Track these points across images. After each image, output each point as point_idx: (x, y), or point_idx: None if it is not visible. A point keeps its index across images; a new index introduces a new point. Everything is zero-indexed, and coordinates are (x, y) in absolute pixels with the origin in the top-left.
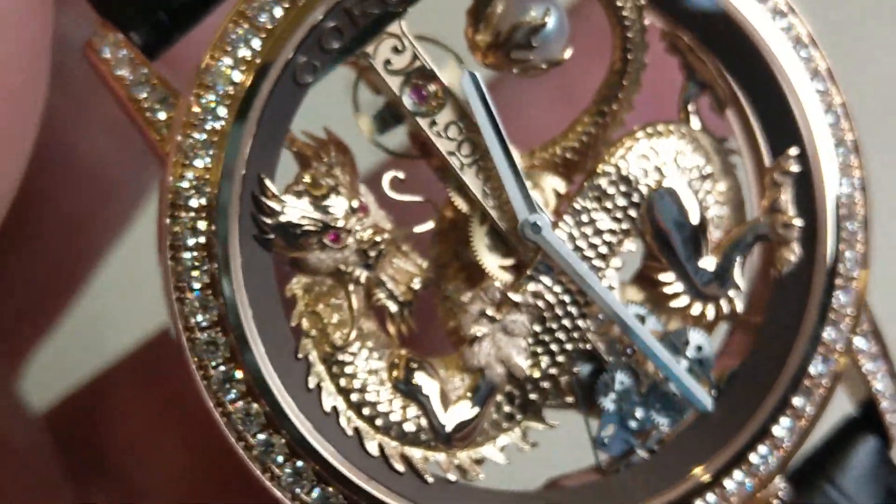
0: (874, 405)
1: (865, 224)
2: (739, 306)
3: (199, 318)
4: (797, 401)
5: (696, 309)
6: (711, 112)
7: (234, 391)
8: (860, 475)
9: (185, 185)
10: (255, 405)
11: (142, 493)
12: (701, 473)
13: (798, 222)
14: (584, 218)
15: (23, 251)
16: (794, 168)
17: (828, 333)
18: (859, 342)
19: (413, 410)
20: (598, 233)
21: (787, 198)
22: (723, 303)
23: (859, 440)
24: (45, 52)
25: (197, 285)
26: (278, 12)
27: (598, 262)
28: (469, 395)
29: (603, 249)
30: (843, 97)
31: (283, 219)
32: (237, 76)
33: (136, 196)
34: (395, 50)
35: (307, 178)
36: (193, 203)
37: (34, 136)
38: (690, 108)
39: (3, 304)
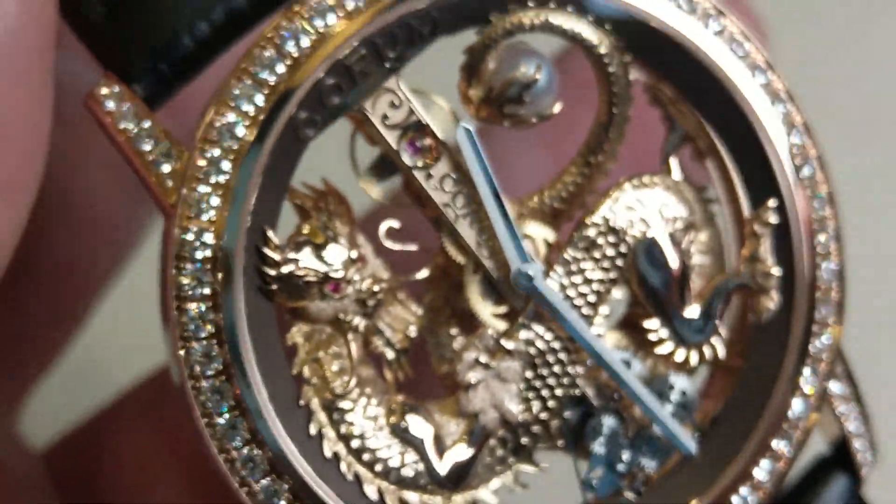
0: (846, 445)
1: (841, 274)
2: (721, 352)
3: (205, 367)
4: (776, 443)
5: (680, 355)
6: (692, 161)
7: (239, 438)
8: None
9: (191, 237)
10: (258, 451)
11: None
12: None
13: (777, 272)
14: (574, 268)
15: (21, 291)
16: (773, 219)
17: (805, 377)
18: (834, 386)
19: (411, 456)
20: (588, 282)
21: (766, 248)
22: (705, 349)
23: (832, 479)
24: (47, 100)
25: (203, 335)
26: (280, 69)
27: (587, 311)
28: (465, 438)
29: (592, 298)
30: (819, 149)
31: (285, 270)
32: (241, 131)
33: (134, 235)
34: (392, 105)
35: (307, 230)
36: (199, 255)
37: (37, 186)
38: (672, 159)
39: (2, 344)
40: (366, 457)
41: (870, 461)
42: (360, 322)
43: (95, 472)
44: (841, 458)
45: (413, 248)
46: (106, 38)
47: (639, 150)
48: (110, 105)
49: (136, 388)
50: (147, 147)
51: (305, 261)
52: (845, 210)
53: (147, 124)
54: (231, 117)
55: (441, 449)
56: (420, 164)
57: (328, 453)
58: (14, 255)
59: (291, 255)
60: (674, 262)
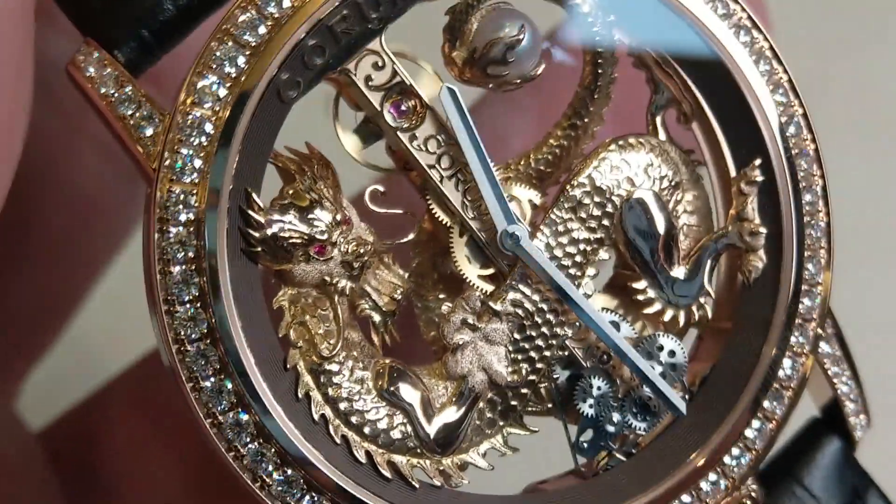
0: (838, 407)
1: (828, 231)
2: (709, 312)
3: (189, 330)
4: (767, 403)
5: (668, 315)
6: (678, 125)
7: (225, 402)
8: (826, 476)
9: (173, 200)
10: (245, 415)
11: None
12: (677, 475)
13: (764, 230)
14: (560, 228)
15: (15, 273)
16: (759, 178)
17: (795, 337)
18: (824, 346)
19: (399, 418)
20: (574, 242)
21: (752, 207)
22: (694, 309)
23: (824, 442)
24: (26, 69)
25: (186, 298)
26: (262, 30)
27: (574, 271)
28: (453, 401)
29: (579, 258)
30: (805, 108)
31: (269, 231)
32: (222, 92)
33: (128, 215)
34: (376, 66)
35: (291, 192)
36: (182, 217)
37: (17, 156)
38: (658, 120)
39: None
40: (354, 419)
41: (863, 424)
42: (346, 284)
43: (89, 449)
44: (833, 422)
45: (398, 211)
46: (86, 4)
47: (624, 112)
48: (91, 71)
49: (127, 370)
50: (129, 111)
51: (290, 223)
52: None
53: (129, 89)
54: (212, 79)
55: (429, 412)
56: (404, 125)
57: (316, 416)
58: (9, 233)
59: (276, 217)
60: (660, 221)
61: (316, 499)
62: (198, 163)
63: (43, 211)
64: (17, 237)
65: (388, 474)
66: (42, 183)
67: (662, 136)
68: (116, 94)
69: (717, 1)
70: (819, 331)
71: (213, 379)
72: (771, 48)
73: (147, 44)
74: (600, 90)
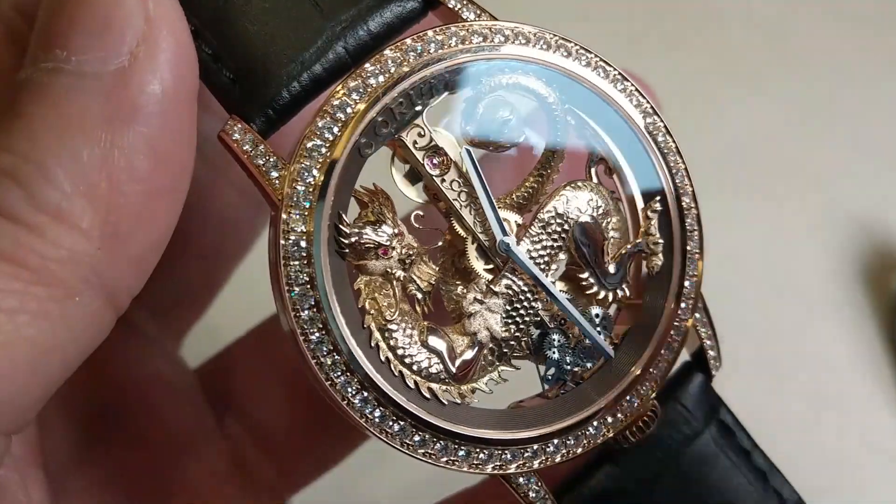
0: (703, 354)
1: (700, 243)
2: (628, 293)
3: (302, 302)
4: (664, 352)
5: (601, 295)
6: (605, 175)
7: (325, 349)
8: (694, 396)
9: (293, 219)
10: (338, 357)
11: (258, 423)
12: (609, 396)
13: (661, 240)
14: (535, 239)
15: (180, 267)
16: (658, 208)
17: (681, 308)
18: (697, 315)
19: (434, 359)
20: (544, 248)
21: (654, 226)
22: (618, 291)
23: (693, 376)
24: (193, 134)
25: (301, 282)
26: (349, 111)
27: (544, 266)
28: (468, 349)
29: (547, 258)
30: (685, 164)
31: (353, 240)
32: (324, 150)
33: (252, 233)
34: (419, 135)
35: (366, 214)
36: (298, 229)
37: (185, 194)
38: (593, 171)
39: (167, 297)
40: (406, 360)
41: (718, 365)
42: (400, 274)
43: (229, 382)
44: (699, 363)
45: (432, 228)
46: (233, 95)
47: (572, 166)
48: (236, 136)
49: (255, 328)
50: (261, 162)
51: (366, 234)
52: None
53: (261, 147)
54: (317, 142)
55: (453, 356)
56: (437, 172)
57: (382, 358)
58: (176, 239)
59: (357, 230)
60: (597, 235)
61: (381, 411)
62: (308, 195)
63: (198, 228)
64: (182, 245)
65: (427, 395)
66: (198, 210)
67: (596, 181)
68: (253, 151)
69: (632, 95)
70: (693, 305)
71: (317, 334)
72: (665, 127)
73: (272, 119)
74: (558, 152)
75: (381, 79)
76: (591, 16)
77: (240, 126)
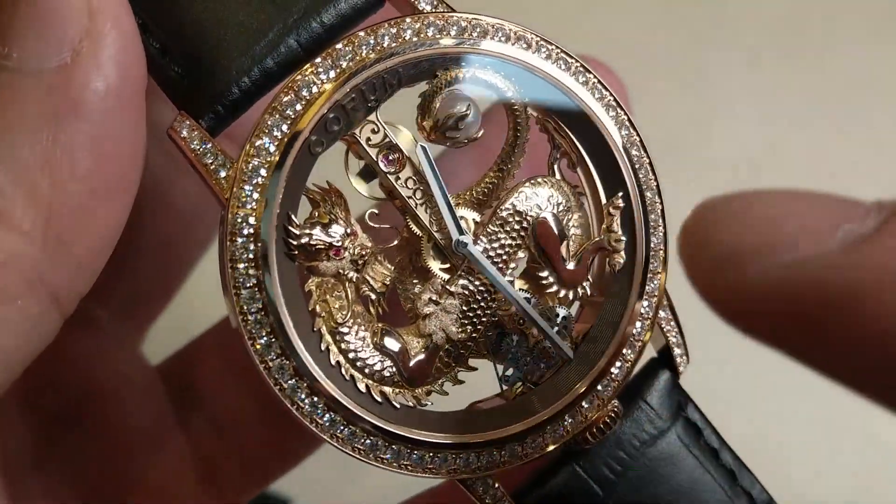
0: (669, 351)
1: (665, 240)
2: (589, 291)
3: (250, 305)
4: (625, 351)
5: (562, 293)
6: (567, 168)
7: (274, 354)
8: (661, 395)
9: (239, 219)
10: (286, 362)
11: (221, 419)
12: (567, 398)
13: (623, 238)
14: (493, 237)
15: (136, 258)
16: (621, 204)
17: (643, 308)
18: (662, 312)
19: (388, 362)
20: (502, 246)
21: (617, 223)
22: (579, 289)
23: (659, 373)
24: (142, 128)
25: (249, 285)
26: (298, 108)
27: (501, 265)
28: (423, 351)
29: (505, 257)
30: (650, 158)
31: (303, 241)
32: (272, 149)
33: (215, 223)
34: (373, 131)
35: (317, 214)
36: (245, 232)
37: (135, 191)
38: (555, 167)
39: (127, 293)
40: (358, 364)
41: (685, 362)
42: (353, 275)
43: (192, 379)
44: (665, 360)
45: (387, 226)
46: (182, 90)
47: (534, 161)
48: (184, 133)
49: (213, 327)
50: (209, 160)
51: (316, 235)
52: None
53: (209, 145)
54: (265, 140)
55: (407, 358)
56: (391, 170)
57: (333, 362)
58: (134, 232)
59: (307, 231)
60: (558, 231)
61: (332, 415)
62: (255, 195)
63: (159, 220)
64: (141, 238)
65: (379, 399)
66: (158, 202)
67: (558, 176)
68: (201, 149)
69: (594, 88)
70: (657, 303)
71: (265, 338)
72: (629, 119)
73: (221, 115)
74: (518, 147)
75: (331, 74)
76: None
77: (188, 123)
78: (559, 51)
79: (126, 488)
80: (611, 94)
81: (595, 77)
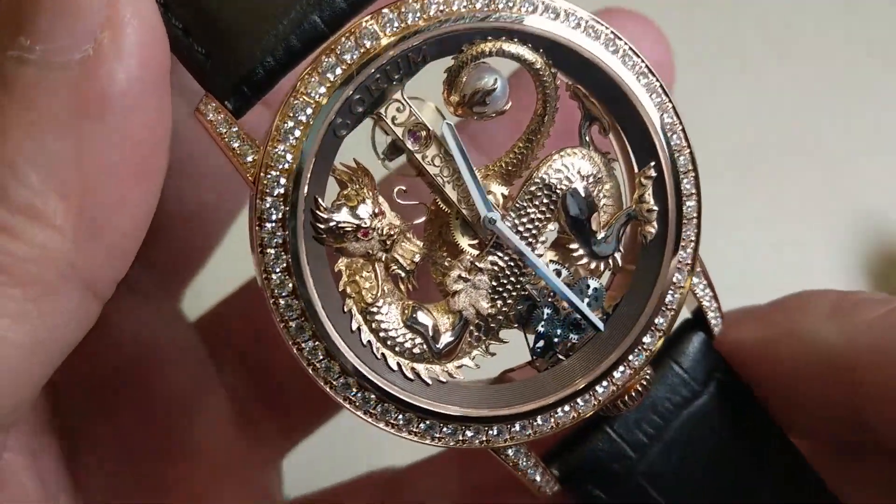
0: (703, 313)
1: (699, 206)
2: (619, 262)
3: (281, 290)
4: (657, 320)
5: (593, 265)
6: (599, 136)
7: (306, 335)
8: (693, 356)
9: (268, 204)
10: (318, 343)
11: (256, 372)
12: (600, 368)
13: (655, 208)
14: (522, 212)
15: (169, 228)
16: (653, 174)
17: (676, 277)
18: (695, 279)
19: (418, 339)
20: (531, 221)
21: (648, 193)
22: (610, 260)
23: (693, 335)
24: (167, 116)
25: (278, 269)
26: (322, 90)
27: (531, 240)
28: (452, 327)
29: (534, 231)
30: (682, 124)
31: (330, 224)
32: (297, 133)
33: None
34: (398, 110)
35: (344, 195)
36: (273, 216)
37: (164, 173)
38: (585, 134)
39: (164, 258)
40: (389, 342)
41: (719, 324)
42: (382, 254)
43: (229, 337)
44: (699, 322)
45: (415, 202)
46: (206, 71)
47: (564, 130)
48: (210, 116)
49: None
50: (235, 144)
51: (343, 217)
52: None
53: (235, 128)
54: (290, 124)
55: (437, 334)
56: (417, 148)
57: (364, 341)
58: (168, 198)
59: (334, 214)
60: (588, 204)
61: (364, 393)
62: (283, 181)
63: (193, 186)
64: (176, 204)
65: (411, 376)
66: (192, 167)
67: (589, 143)
68: (227, 132)
69: (626, 56)
70: (690, 272)
71: (297, 321)
72: (661, 86)
73: (246, 96)
74: (548, 116)
75: (355, 55)
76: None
77: (213, 105)
78: (589, 19)
79: (173, 451)
80: (642, 61)
81: (626, 44)
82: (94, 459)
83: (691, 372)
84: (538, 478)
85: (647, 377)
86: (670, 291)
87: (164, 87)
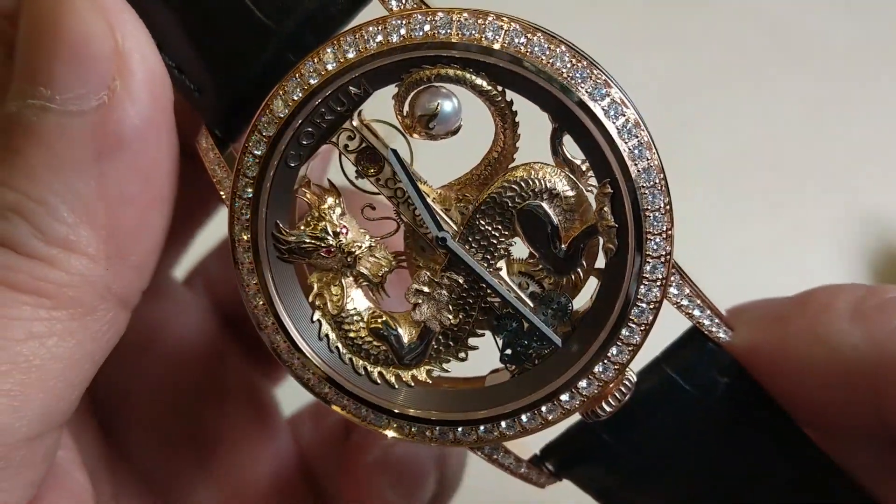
0: (699, 328)
1: (669, 220)
2: (582, 277)
3: (256, 301)
4: (624, 333)
5: (557, 280)
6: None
7: (279, 337)
8: (691, 364)
9: (238, 229)
10: (291, 344)
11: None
12: (561, 380)
13: (615, 225)
14: (475, 230)
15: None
16: (609, 190)
17: (642, 292)
18: (672, 291)
19: (384, 346)
20: (485, 238)
21: (607, 210)
22: (572, 275)
23: (692, 343)
24: (174, 144)
25: (251, 283)
26: (272, 130)
27: (486, 256)
28: (418, 336)
29: (490, 248)
30: (650, 135)
31: (290, 246)
32: (254, 168)
33: None
34: (349, 138)
35: (309, 217)
36: (243, 237)
37: (174, 199)
38: (559, 144)
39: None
40: (355, 348)
41: (720, 334)
42: (346, 269)
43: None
44: (698, 332)
45: (382, 216)
46: (198, 103)
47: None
48: (203, 143)
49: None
50: (218, 172)
51: (303, 238)
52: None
53: (213, 156)
54: (249, 159)
55: (402, 343)
56: (372, 171)
57: (332, 348)
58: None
59: (294, 236)
60: (543, 219)
61: (335, 394)
62: (245, 210)
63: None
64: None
65: (377, 380)
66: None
67: (560, 154)
68: (209, 161)
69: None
70: (663, 285)
71: (271, 323)
72: (622, 100)
73: (232, 127)
74: (507, 129)
75: (298, 94)
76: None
77: (205, 136)
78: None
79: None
80: (605, 75)
81: (583, 61)
82: (130, 436)
83: (690, 380)
84: (524, 470)
85: (627, 385)
86: (637, 305)
87: (170, 119)
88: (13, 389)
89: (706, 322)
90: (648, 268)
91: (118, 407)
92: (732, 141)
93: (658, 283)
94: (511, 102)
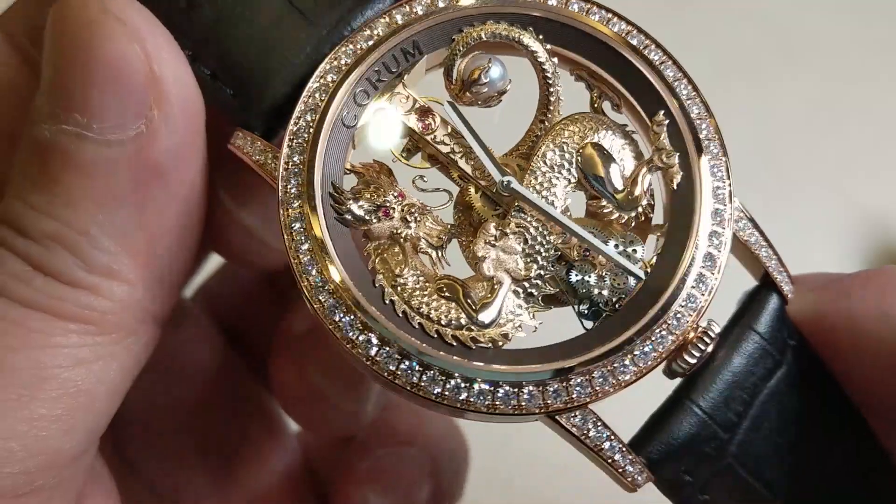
0: (769, 275)
1: (722, 146)
2: (651, 213)
3: (309, 271)
4: (703, 268)
5: (624, 219)
6: (614, 111)
7: (339, 312)
8: (769, 323)
9: (289, 196)
10: (353, 317)
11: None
12: (645, 318)
13: (675, 152)
14: (538, 173)
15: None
16: (664, 120)
17: (713, 227)
18: (744, 231)
19: (453, 307)
20: (549, 180)
21: (664, 139)
22: (639, 208)
23: (766, 297)
24: (204, 165)
25: (304, 251)
26: (323, 96)
27: (552, 198)
28: (489, 294)
29: (554, 190)
30: (686, 74)
31: (349, 206)
32: (307, 135)
33: None
34: (401, 101)
35: (363, 182)
36: (295, 204)
37: (204, 215)
38: (599, 112)
39: None
40: (423, 311)
41: (788, 285)
42: (406, 232)
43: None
44: (770, 285)
45: (434, 188)
46: (234, 109)
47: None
48: (239, 142)
49: None
50: (259, 157)
51: (362, 198)
52: None
53: (258, 144)
54: (301, 124)
55: (473, 303)
56: (426, 132)
57: (399, 312)
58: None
59: (352, 196)
60: (604, 157)
61: (406, 362)
62: (299, 174)
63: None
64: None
65: (452, 343)
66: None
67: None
68: (251, 148)
69: (610, 22)
70: (729, 216)
71: (329, 300)
72: (654, 42)
73: (272, 124)
74: (553, 96)
75: (350, 57)
76: None
77: (241, 134)
78: None
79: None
80: (628, 24)
81: (608, 11)
82: (139, 451)
83: (769, 339)
84: (618, 457)
85: (710, 335)
86: (712, 233)
87: (203, 139)
88: (64, 414)
89: (777, 276)
90: (716, 197)
91: (128, 422)
92: (732, 141)
93: (728, 217)
94: (556, 64)
